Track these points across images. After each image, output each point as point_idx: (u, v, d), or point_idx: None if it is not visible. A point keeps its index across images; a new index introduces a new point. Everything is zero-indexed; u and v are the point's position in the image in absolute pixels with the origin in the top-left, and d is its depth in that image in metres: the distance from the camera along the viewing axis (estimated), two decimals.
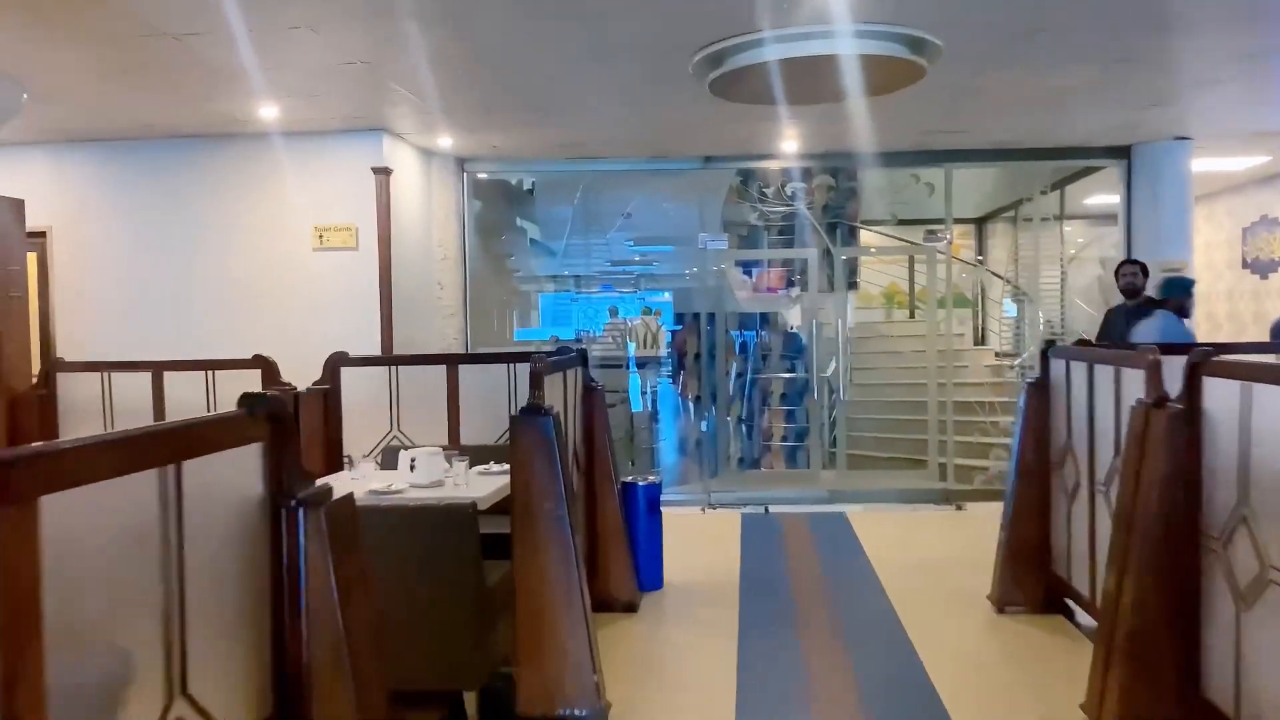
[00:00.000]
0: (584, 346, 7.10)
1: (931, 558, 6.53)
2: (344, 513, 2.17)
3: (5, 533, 1.30)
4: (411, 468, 4.38)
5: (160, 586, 1.66)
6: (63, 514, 1.40)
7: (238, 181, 6.75)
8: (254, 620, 1.92)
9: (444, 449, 4.78)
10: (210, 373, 5.73)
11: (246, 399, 1.98)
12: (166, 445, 1.71)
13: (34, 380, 5.84)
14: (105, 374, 5.79)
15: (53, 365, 5.79)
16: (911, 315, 12.01)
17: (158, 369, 5.75)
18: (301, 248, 6.62)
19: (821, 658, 4.57)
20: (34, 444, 1.39)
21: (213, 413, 1.95)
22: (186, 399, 5.68)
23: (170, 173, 6.78)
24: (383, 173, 6.68)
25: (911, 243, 11.41)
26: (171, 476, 1.68)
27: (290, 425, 2.06)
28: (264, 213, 6.70)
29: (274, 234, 6.69)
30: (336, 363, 5.69)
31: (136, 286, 6.75)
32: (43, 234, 6.75)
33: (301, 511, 1.98)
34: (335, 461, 5.49)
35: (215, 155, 6.75)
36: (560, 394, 4.64)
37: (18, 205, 5.82)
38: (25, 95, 3.48)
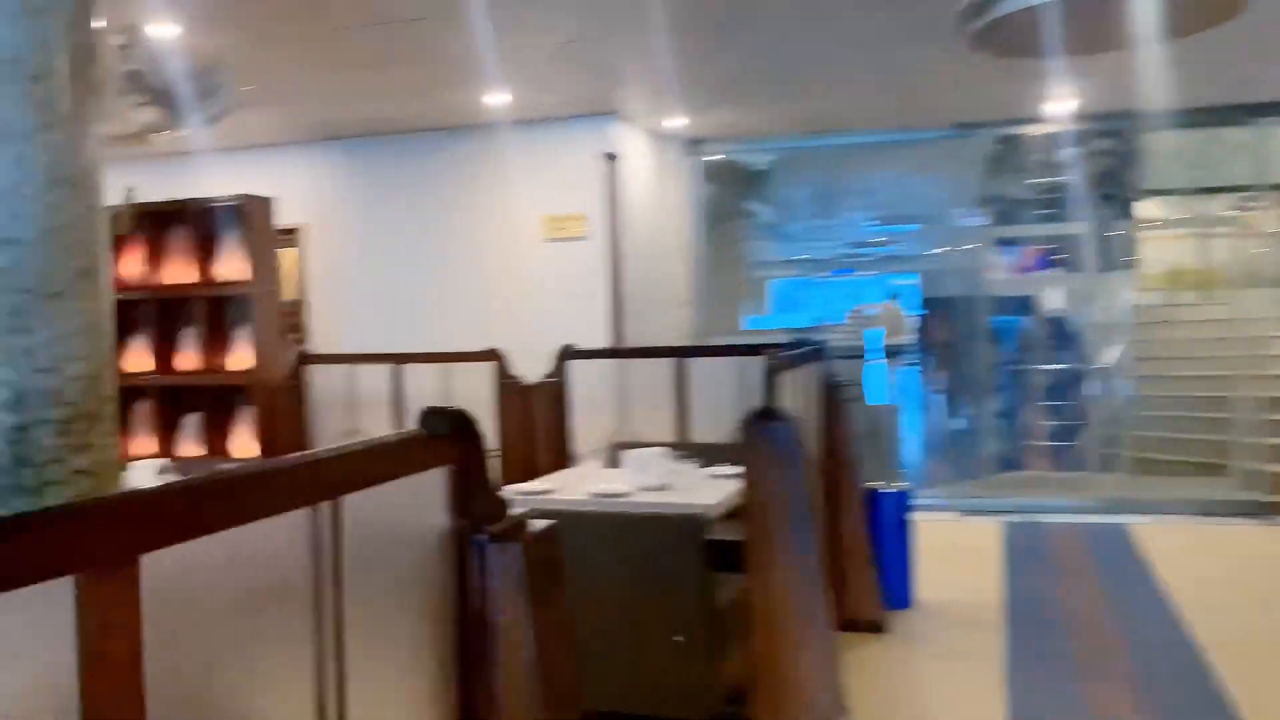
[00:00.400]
0: (822, 337, 6.56)
1: (1243, 584, 5.50)
2: (545, 549, 1.83)
3: (94, 601, 1.02)
4: (637, 468, 4.07)
5: (311, 648, 1.37)
6: (174, 571, 1.12)
7: (470, 174, 6.75)
8: (432, 680, 1.62)
9: (671, 447, 4.44)
10: (445, 365, 5.70)
11: (428, 416, 1.67)
12: (326, 476, 1.42)
13: (287, 373, 6.07)
14: (349, 366, 5.91)
15: (302, 358, 5.99)
16: (1207, 297, 10.46)
17: (397, 361, 5.80)
18: (532, 238, 6.53)
19: (1112, 710, 3.84)
20: (137, 490, 1.10)
21: (392, 434, 1.62)
22: (424, 390, 5.69)
23: (406, 168, 6.88)
24: (612, 159, 6.46)
25: (1215, 215, 9.90)
26: (327, 515, 1.39)
27: (479, 445, 1.75)
28: (495, 204, 6.66)
29: (505, 225, 6.63)
30: (566, 355, 5.50)
31: (379, 280, 6.91)
32: (295, 230, 7.07)
33: (492, 549, 1.66)
34: (563, 457, 5.30)
35: (447, 148, 6.78)
36: (798, 392, 4.17)
37: (267, 203, 6.06)
38: (247, 88, 3.46)
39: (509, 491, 4.03)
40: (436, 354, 5.82)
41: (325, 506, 1.38)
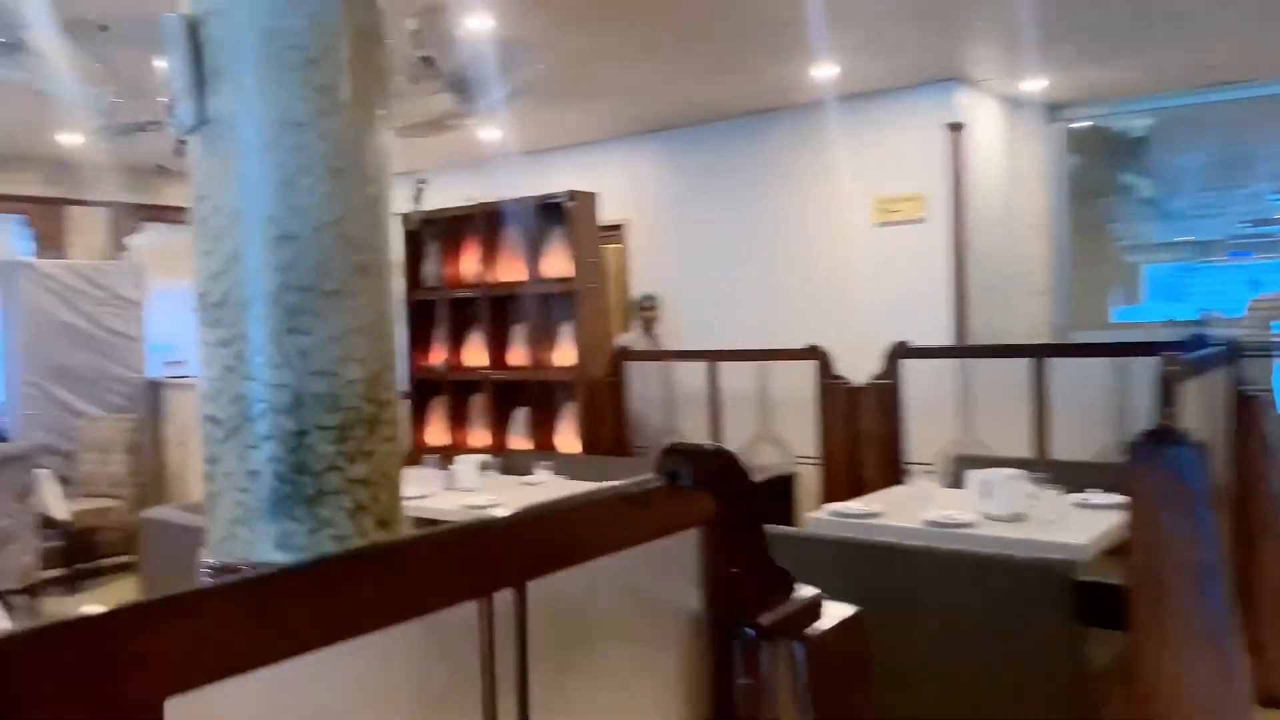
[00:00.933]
0: (1221, 332, 5.38)
1: None
2: (845, 645, 1.34)
3: None
4: (984, 492, 3.41)
5: None
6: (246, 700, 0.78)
7: (793, 157, 6.30)
8: None
9: (1026, 467, 3.72)
10: (763, 363, 5.31)
11: (670, 455, 1.24)
12: (497, 558, 1.02)
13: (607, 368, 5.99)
14: (664, 363, 5.70)
15: (621, 353, 5.88)
16: None
17: (712, 358, 5.50)
18: (861, 223, 5.95)
19: None
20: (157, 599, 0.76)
21: (612, 484, 1.15)
22: (741, 389, 5.34)
23: (725, 156, 6.56)
24: (956, 129, 5.72)
25: None
26: (513, 600, 1.00)
27: (748, 498, 1.29)
28: (820, 188, 6.15)
29: (831, 210, 6.11)
30: (898, 353, 4.89)
31: (698, 273, 6.67)
32: (618, 227, 7.02)
33: (769, 647, 1.20)
34: (894, 471, 4.70)
35: (769, 132, 6.37)
36: (1202, 405, 3.28)
37: (590, 199, 6.00)
38: (539, 67, 3.28)
39: (827, 512, 3.54)
40: (753, 351, 5.45)
41: (507, 594, 0.99)
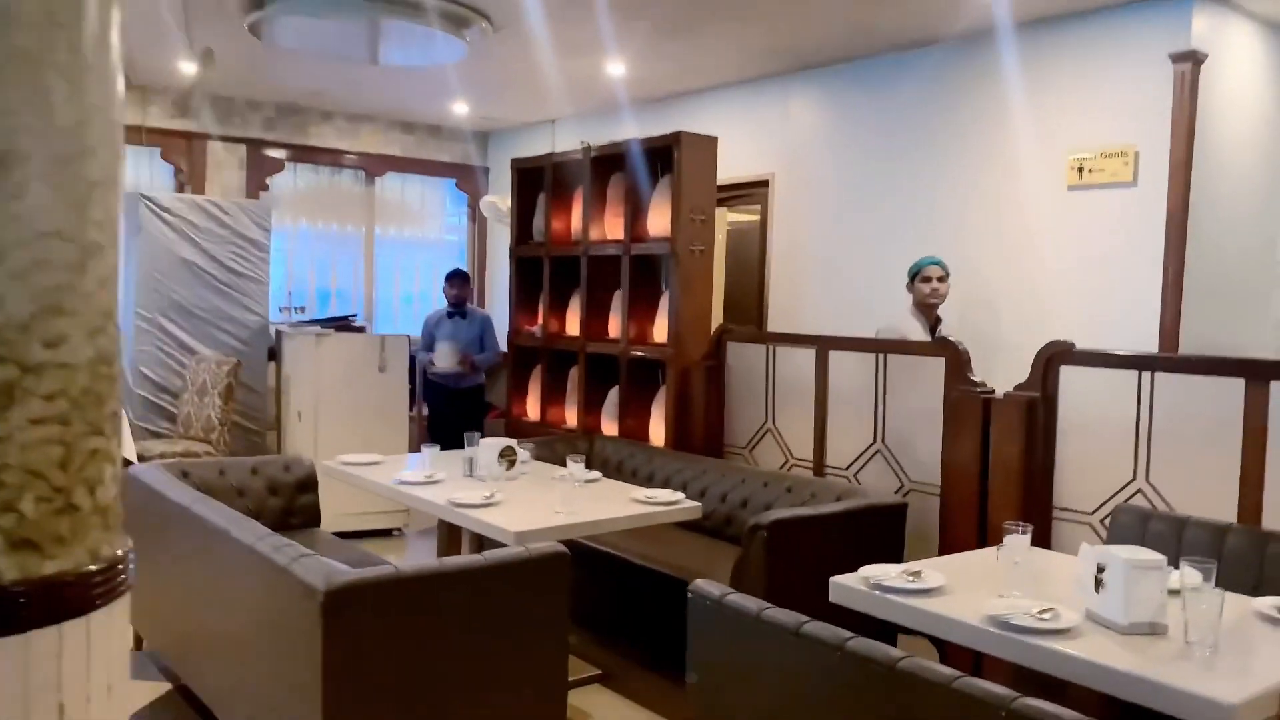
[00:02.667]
0: None
1: None
2: None
3: None
4: (1103, 582, 2.19)
5: None
6: None
7: (963, 103, 4.90)
8: None
9: (1220, 538, 2.43)
10: (882, 355, 4.13)
11: None
12: None
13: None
14: (769, 346, 4.62)
15: (721, 334, 4.85)
16: None
17: (823, 346, 4.37)
18: (1048, 187, 4.53)
19: None
20: None
21: None
22: (852, 384, 4.19)
23: (886, 99, 5.24)
24: (1189, 62, 4.20)
25: None
26: None
27: None
28: (997, 142, 4.75)
29: (1009, 170, 4.70)
30: (1056, 357, 3.58)
31: (841, 242, 5.46)
32: (765, 182, 5.94)
33: None
34: (1034, 516, 3.42)
35: (941, 68, 4.99)
36: None
37: (705, 145, 4.99)
38: None
39: (857, 578, 2.44)
40: (869, 340, 4.28)
41: None
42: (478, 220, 8.47)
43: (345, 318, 6.54)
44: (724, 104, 6.14)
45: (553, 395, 5.85)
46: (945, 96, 5.01)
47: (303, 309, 7.03)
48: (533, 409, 6.02)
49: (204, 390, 6.16)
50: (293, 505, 4.31)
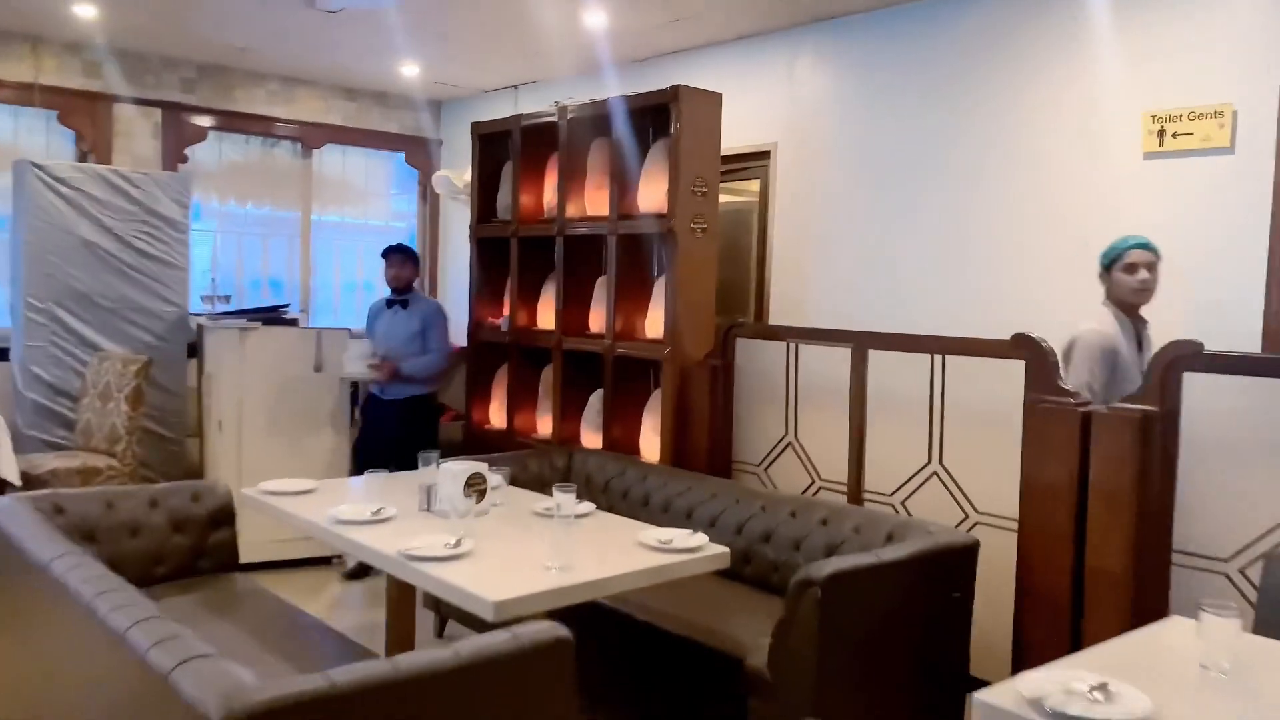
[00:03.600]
0: None
1: None
2: None
3: None
4: None
5: None
6: None
7: (1010, 56, 4.12)
8: None
9: None
10: (939, 357, 3.36)
11: None
12: None
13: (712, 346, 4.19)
14: (791, 345, 3.83)
15: (730, 328, 4.05)
16: None
17: (861, 344, 3.60)
18: (1120, 155, 3.80)
19: None
20: None
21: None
22: (902, 390, 3.43)
23: (917, 52, 4.45)
24: None
25: None
26: None
27: None
28: (1055, 102, 3.97)
29: (1071, 136, 3.95)
30: (1176, 362, 2.85)
31: (862, 224, 4.67)
32: (766, 153, 5.15)
33: None
34: (1148, 564, 2.68)
35: (985, 15, 4.23)
36: None
37: (712, 101, 4.18)
38: None
39: (980, 699, 1.65)
40: (924, 338, 3.50)
41: None
42: (429, 199, 7.57)
43: (276, 308, 5.61)
44: (718, 63, 5.32)
45: (522, 400, 5.01)
46: (989, 49, 4.24)
47: (228, 299, 6.09)
48: (497, 416, 5.18)
49: (107, 394, 5.21)
50: (203, 544, 3.42)
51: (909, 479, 3.43)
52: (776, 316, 4.97)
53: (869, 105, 4.67)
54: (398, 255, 5.05)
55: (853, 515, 3.29)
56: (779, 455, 3.88)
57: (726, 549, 2.85)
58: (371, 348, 4.93)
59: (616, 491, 4.04)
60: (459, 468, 3.11)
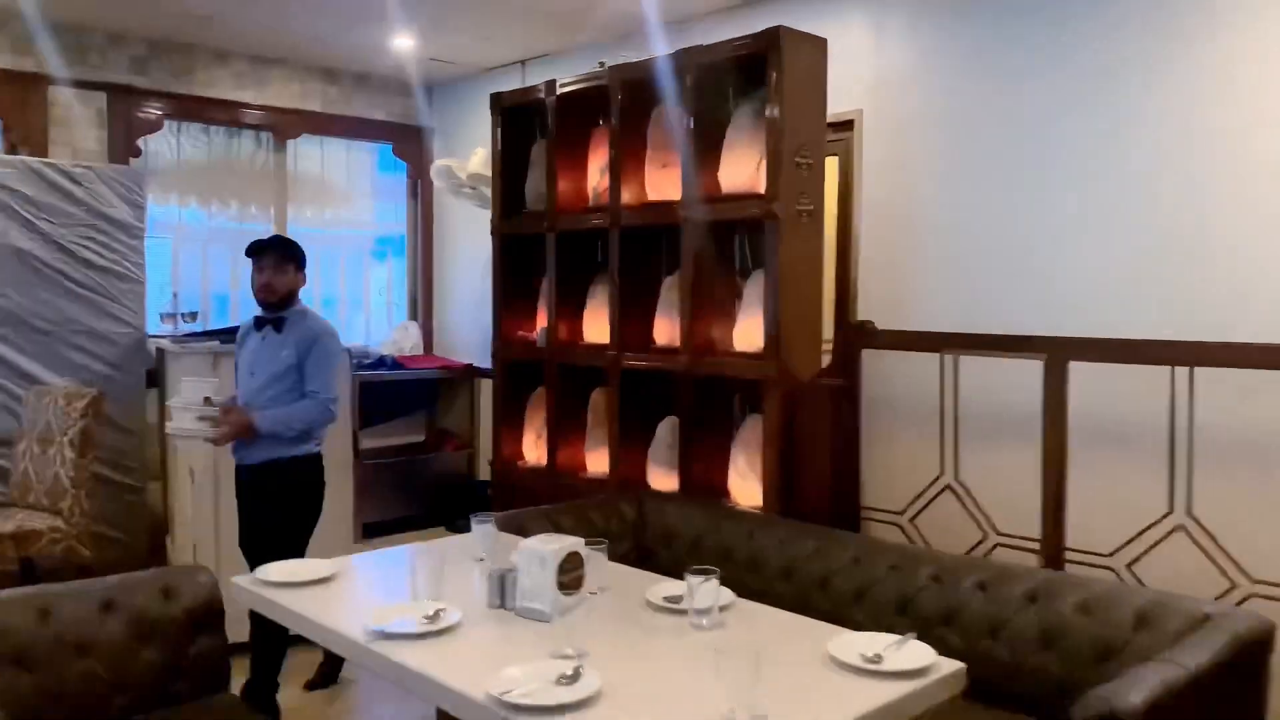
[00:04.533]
0: None
1: None
2: None
3: None
4: None
5: None
6: None
7: (1151, 16, 3.24)
8: None
9: None
10: (1187, 370, 2.50)
11: None
12: None
13: (825, 362, 3.30)
14: (949, 357, 2.94)
15: (855, 337, 3.14)
16: None
17: (1058, 353, 2.72)
18: None
19: None
20: None
21: None
22: (1114, 412, 2.56)
23: (1026, 12, 3.56)
24: None
25: None
26: None
27: None
28: (1200, 66, 3.07)
29: (1225, 104, 3.04)
30: None
31: (969, 207, 3.73)
32: (849, 123, 4.26)
33: None
34: None
35: None
36: None
37: (817, 48, 3.31)
38: None
39: None
40: (1155, 343, 2.61)
41: None
42: (421, 196, 6.62)
43: None
44: (783, 17, 4.41)
45: (565, 430, 4.08)
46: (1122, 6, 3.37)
47: (194, 316, 5.11)
48: (534, 450, 4.25)
49: (48, 437, 4.22)
50: (181, 657, 2.47)
51: (1138, 534, 2.56)
52: (871, 303, 4.08)
53: (985, 65, 3.77)
54: (270, 255, 3.47)
55: (1069, 587, 2.42)
56: (931, 501, 3.00)
57: (962, 665, 1.95)
58: (214, 388, 3.42)
59: (712, 550, 3.14)
60: (546, 548, 2.19)
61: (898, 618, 2.65)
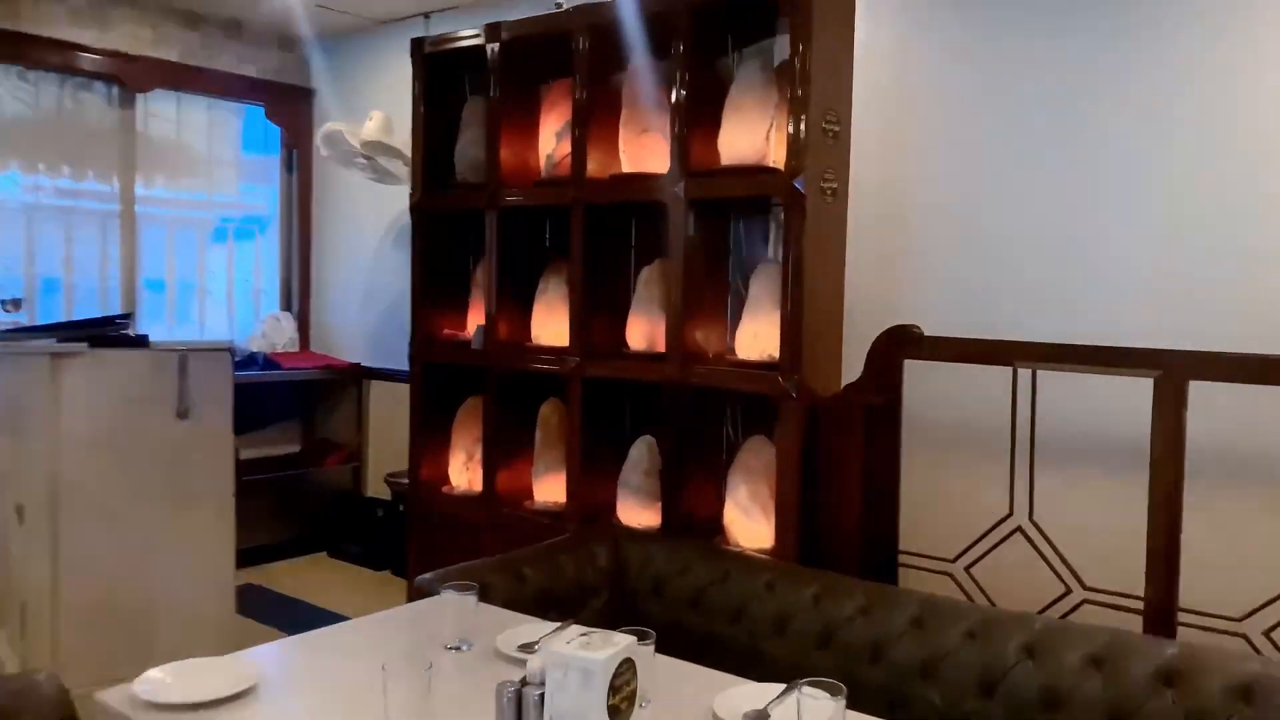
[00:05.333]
0: None
1: None
2: None
3: None
4: None
5: None
6: None
7: None
8: None
9: None
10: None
11: None
12: None
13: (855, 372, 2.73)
14: (1025, 371, 2.40)
15: (897, 344, 2.57)
16: None
17: (1175, 370, 2.21)
18: None
19: None
20: None
21: None
22: (1239, 440, 2.09)
23: None
24: None
25: None
26: None
27: None
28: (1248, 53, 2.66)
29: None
30: None
31: (995, 200, 3.19)
32: None
33: None
34: None
35: None
36: None
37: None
38: None
39: None
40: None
41: None
42: (298, 167, 5.70)
43: (109, 320, 3.59)
44: None
45: (507, 449, 3.36)
46: None
47: (17, 304, 4.09)
48: (463, 473, 3.51)
49: None
50: None
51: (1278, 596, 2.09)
52: (861, 327, 3.54)
53: (1001, 29, 3.26)
54: None
55: (1212, 665, 1.92)
56: (995, 546, 2.47)
57: None
58: None
59: (719, 607, 2.52)
60: (592, 656, 1.51)
61: (983, 701, 2.10)
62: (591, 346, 3.07)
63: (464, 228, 3.50)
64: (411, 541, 3.54)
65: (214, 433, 3.24)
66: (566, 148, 3.12)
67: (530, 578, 2.59)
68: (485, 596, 2.33)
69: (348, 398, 5.43)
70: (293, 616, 4.06)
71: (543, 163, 3.28)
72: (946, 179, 3.02)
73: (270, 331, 5.56)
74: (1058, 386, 2.39)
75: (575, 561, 2.72)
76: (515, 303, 3.34)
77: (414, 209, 3.51)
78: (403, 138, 4.63)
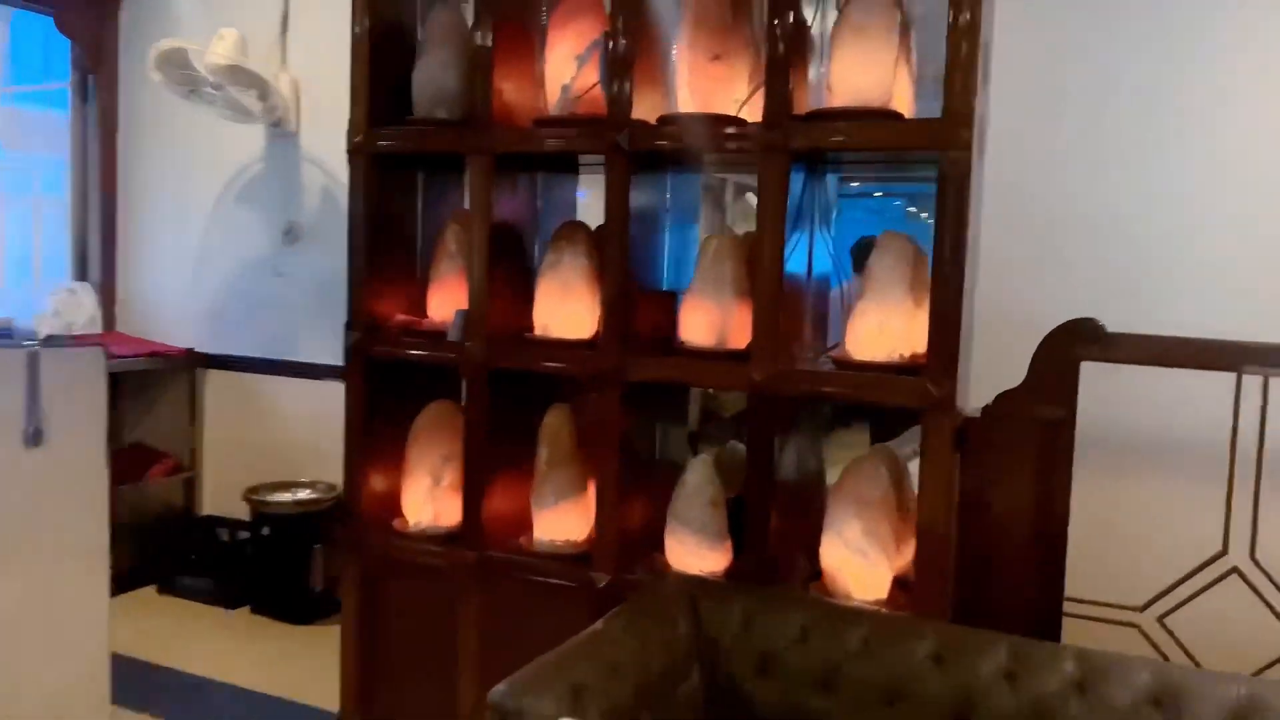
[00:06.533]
0: None
1: None
2: None
3: None
4: None
5: None
6: None
7: None
8: None
9: None
10: None
11: None
12: None
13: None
14: (1248, 377, 1.95)
15: (1072, 343, 2.01)
16: None
17: None
18: None
19: None
20: None
21: None
22: None
23: None
24: None
25: None
26: None
27: None
28: None
29: None
30: None
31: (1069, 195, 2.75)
32: None
33: None
34: None
35: None
36: None
37: None
38: None
39: None
40: None
41: None
42: (100, 98, 4.44)
43: None
44: None
45: (499, 475, 2.56)
46: None
47: None
48: (425, 505, 2.65)
49: None
50: None
51: None
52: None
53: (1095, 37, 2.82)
54: None
55: None
56: (1200, 591, 2.02)
57: None
58: None
59: (863, 688, 1.93)
60: None
61: None
62: (635, 340, 2.34)
63: (427, 179, 2.65)
64: (350, 596, 2.66)
65: (79, 461, 2.22)
66: (592, 76, 2.36)
67: (624, 668, 1.87)
68: (578, 706, 1.63)
69: (174, 392, 4.33)
70: (183, 699, 3.09)
71: (546, 97, 2.48)
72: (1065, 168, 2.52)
73: (63, 308, 4.33)
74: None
75: (660, 634, 2.02)
76: (507, 281, 2.53)
77: (355, 151, 2.59)
78: (259, 63, 3.67)
